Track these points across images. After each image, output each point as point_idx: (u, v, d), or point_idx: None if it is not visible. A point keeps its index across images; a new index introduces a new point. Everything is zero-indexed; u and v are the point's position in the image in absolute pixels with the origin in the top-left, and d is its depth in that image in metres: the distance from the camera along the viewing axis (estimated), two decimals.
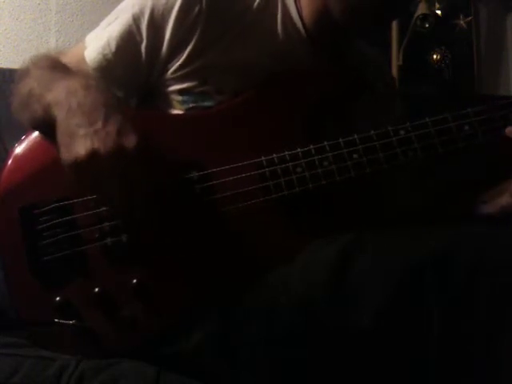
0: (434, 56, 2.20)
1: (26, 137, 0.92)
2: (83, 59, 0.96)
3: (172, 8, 0.92)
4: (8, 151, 0.93)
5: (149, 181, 0.79)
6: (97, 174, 0.76)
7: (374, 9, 0.91)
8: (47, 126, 0.82)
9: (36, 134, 0.91)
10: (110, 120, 0.78)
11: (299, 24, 0.99)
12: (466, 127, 0.89)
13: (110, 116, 0.78)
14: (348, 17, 0.93)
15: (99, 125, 0.77)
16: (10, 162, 0.91)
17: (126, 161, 0.76)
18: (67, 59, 0.97)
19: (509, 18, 2.27)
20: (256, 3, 0.98)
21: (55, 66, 0.93)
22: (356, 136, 0.89)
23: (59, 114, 0.80)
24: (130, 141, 0.77)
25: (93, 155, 0.75)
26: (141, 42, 0.94)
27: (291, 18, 0.99)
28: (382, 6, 0.91)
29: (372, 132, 0.89)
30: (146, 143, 0.78)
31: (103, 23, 0.98)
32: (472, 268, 0.70)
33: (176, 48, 0.94)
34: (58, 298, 0.83)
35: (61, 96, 0.81)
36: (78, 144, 0.76)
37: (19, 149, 0.92)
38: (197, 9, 0.93)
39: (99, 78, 0.94)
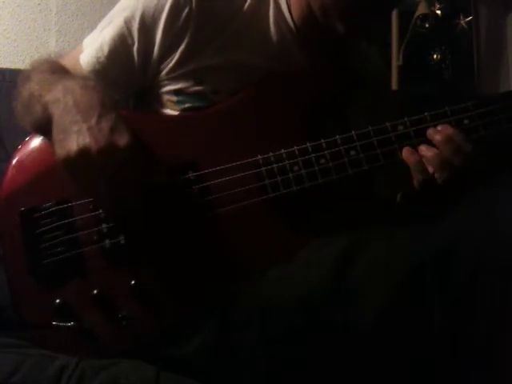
0: (434, 56, 2.20)
1: (27, 141, 0.92)
2: (79, 63, 0.97)
3: (162, 10, 0.93)
4: (8, 151, 0.93)
5: (139, 180, 0.79)
6: (88, 171, 0.77)
7: (348, 7, 0.89)
8: (46, 126, 0.83)
9: (37, 138, 0.92)
10: (104, 118, 0.78)
11: (290, 22, 0.99)
12: (466, 121, 0.87)
13: (105, 114, 0.79)
14: (325, 14, 0.92)
15: (93, 122, 0.78)
16: (11, 166, 0.91)
17: (117, 159, 0.76)
18: (65, 62, 0.99)
19: (509, 18, 2.27)
20: (247, 3, 0.97)
21: (55, 69, 0.94)
22: (353, 132, 0.87)
23: (56, 112, 0.81)
24: (123, 139, 0.77)
25: (84, 151, 0.76)
26: (132, 44, 0.95)
27: (283, 17, 0.99)
28: (356, 4, 0.89)
29: (370, 128, 0.87)
30: (138, 143, 0.79)
31: (99, 26, 0.99)
32: (473, 267, 0.70)
33: (168, 49, 0.94)
34: (57, 300, 0.84)
35: (58, 95, 0.82)
36: (71, 140, 0.76)
37: (20, 153, 0.92)
38: (187, 10, 0.93)
39: (95, 80, 0.94)
